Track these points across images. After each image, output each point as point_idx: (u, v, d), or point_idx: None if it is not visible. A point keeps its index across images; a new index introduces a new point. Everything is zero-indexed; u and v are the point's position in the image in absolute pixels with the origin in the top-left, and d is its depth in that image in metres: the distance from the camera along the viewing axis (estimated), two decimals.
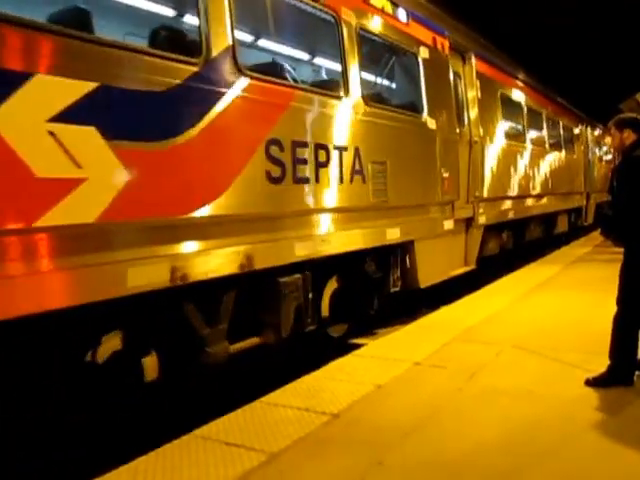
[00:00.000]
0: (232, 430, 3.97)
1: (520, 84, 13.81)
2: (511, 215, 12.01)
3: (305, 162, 5.57)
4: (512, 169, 12.14)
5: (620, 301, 4.62)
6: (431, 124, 8.27)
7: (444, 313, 7.60)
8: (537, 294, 8.55)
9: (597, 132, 23.73)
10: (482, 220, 10.26)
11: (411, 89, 8.33)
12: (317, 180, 5.72)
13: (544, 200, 14.65)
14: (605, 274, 8.69)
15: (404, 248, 7.79)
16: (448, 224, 8.80)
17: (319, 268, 6.15)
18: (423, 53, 8.19)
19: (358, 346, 6.39)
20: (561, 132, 17.18)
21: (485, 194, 10.43)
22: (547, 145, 15.38)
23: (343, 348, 6.72)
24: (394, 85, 8.83)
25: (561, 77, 17.79)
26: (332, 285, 6.82)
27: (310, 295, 5.98)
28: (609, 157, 26.26)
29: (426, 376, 5.02)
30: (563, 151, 17.05)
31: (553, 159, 15.68)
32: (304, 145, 5.59)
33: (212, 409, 4.65)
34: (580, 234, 18.40)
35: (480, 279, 9.95)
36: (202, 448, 3.71)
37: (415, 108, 8.09)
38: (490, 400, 4.41)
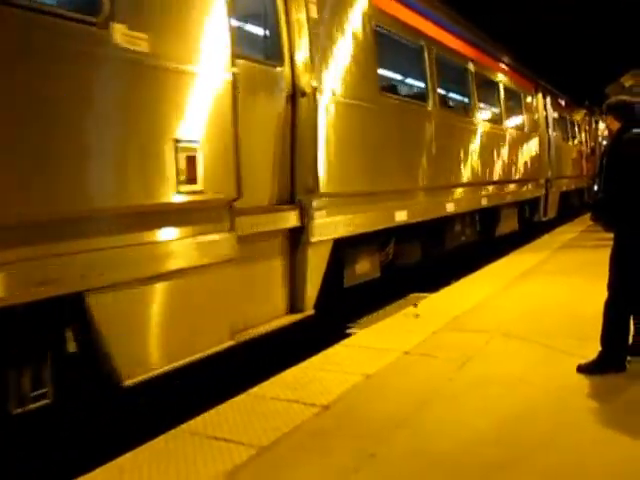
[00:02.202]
0: (220, 424, 3.89)
1: (422, 15, 8.98)
2: (402, 217, 7.72)
3: None
4: (400, 146, 7.83)
5: (611, 286, 4.59)
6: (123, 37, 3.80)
7: (432, 301, 7.55)
8: (524, 281, 8.53)
9: (562, 103, 19.60)
10: (325, 233, 5.99)
11: None
12: None
13: (473, 192, 10.65)
14: (592, 259, 8.71)
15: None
16: (219, 247, 4.61)
17: None
18: None
19: (345, 335, 6.32)
20: (502, 98, 12.75)
21: (332, 186, 6.10)
22: (475, 114, 11.00)
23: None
24: None
25: (547, 61, 17.72)
26: None
27: None
28: (583, 137, 23.48)
29: (416, 366, 4.96)
30: (506, 125, 12.88)
31: (488, 135, 11.37)
32: None
33: (200, 401, 4.57)
34: (537, 233, 14.70)
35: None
36: (190, 443, 3.62)
37: None
38: (482, 389, 4.36)
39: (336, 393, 4.35)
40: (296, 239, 5.76)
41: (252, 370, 5.26)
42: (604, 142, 26.58)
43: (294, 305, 5.74)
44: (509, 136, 12.87)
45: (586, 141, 24.35)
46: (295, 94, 5.76)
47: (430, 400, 4.21)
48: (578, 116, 22.68)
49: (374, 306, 7.92)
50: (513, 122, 13.72)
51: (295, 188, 5.77)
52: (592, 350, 4.63)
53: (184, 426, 3.88)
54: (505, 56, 13.76)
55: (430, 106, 8.81)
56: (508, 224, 13.33)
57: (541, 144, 15.67)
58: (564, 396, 4.19)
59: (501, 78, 12.95)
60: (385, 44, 7.66)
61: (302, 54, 5.85)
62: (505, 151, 12.48)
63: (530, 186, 14.79)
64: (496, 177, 11.89)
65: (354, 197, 6.67)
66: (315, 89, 5.87)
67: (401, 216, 7.68)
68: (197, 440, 3.67)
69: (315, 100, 5.86)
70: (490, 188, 11.66)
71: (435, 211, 8.89)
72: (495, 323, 6.16)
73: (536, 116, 15.67)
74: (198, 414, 4.06)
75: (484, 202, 11.22)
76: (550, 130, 16.84)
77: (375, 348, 5.48)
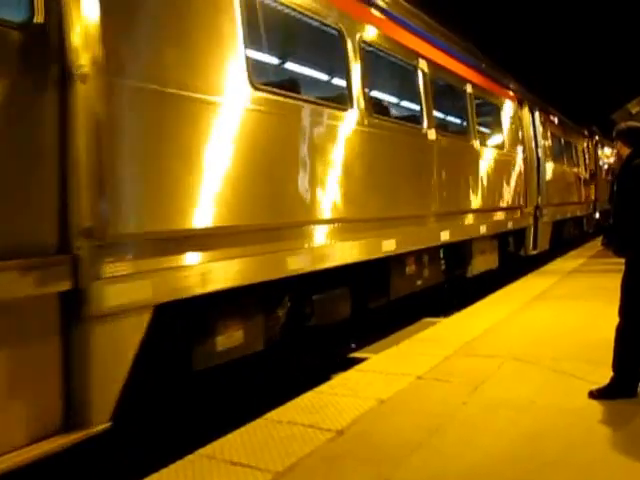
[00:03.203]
0: (237, 449, 3.93)
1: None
2: (298, 264, 5.42)
3: None
4: (292, 158, 5.50)
5: (622, 312, 4.62)
6: None
7: (443, 326, 7.60)
8: (535, 305, 8.56)
9: (556, 121, 17.36)
10: (128, 298, 3.80)
11: None
12: None
13: (430, 224, 8.36)
14: (602, 284, 8.74)
15: None
16: None
17: None
18: None
19: (359, 360, 6.37)
20: (468, 108, 10.21)
21: (135, 224, 3.98)
22: (426, 122, 8.26)
23: (340, 361, 6.74)
24: None
25: (554, 87, 17.80)
26: None
27: None
28: (581, 160, 20.84)
29: (430, 390, 5.01)
30: (475, 141, 10.25)
31: (448, 153, 9.00)
32: None
33: (213, 425, 4.63)
34: (521, 270, 12.47)
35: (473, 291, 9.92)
36: (207, 468, 3.67)
37: None
38: (495, 413, 4.40)
39: (351, 418, 4.40)
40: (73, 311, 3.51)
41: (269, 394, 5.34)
42: (605, 166, 25.72)
43: (73, 418, 3.54)
44: (479, 155, 10.35)
45: (585, 164, 21.61)
46: (65, 76, 3.45)
47: (445, 424, 4.25)
48: (576, 137, 20.47)
49: (386, 331, 7.97)
50: (486, 139, 11.47)
51: (69, 229, 3.49)
52: (603, 375, 4.66)
53: (201, 450, 3.92)
54: (473, 57, 11.02)
55: (353, 110, 6.41)
56: (484, 260, 10.92)
57: (527, 166, 13.34)
58: (575, 420, 4.22)
59: (467, 84, 10.20)
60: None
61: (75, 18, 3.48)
62: (476, 174, 10.16)
63: (513, 215, 12.34)
64: (464, 205, 9.67)
65: (196, 237, 4.34)
66: (99, 67, 3.58)
67: (297, 263, 5.35)
68: (214, 465, 3.71)
69: (101, 84, 3.59)
70: (455, 219, 9.29)
71: (364, 252, 6.55)
72: (507, 348, 6.20)
73: (520, 134, 13.14)
74: (216, 438, 4.12)
75: (445, 237, 8.72)
76: (540, 151, 14.59)
77: (388, 373, 5.52)
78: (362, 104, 6.57)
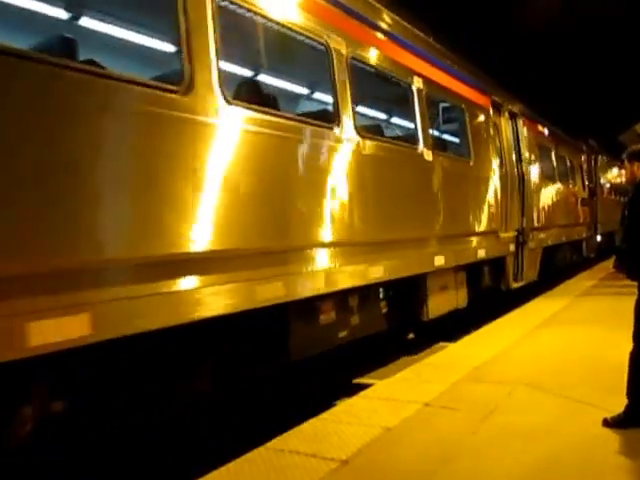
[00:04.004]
0: (238, 478, 3.80)
1: None
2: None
3: None
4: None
5: (636, 338, 4.49)
6: None
7: (451, 351, 7.44)
8: (545, 329, 8.39)
9: (546, 133, 15.26)
10: None
11: None
12: None
13: (355, 257, 6.27)
14: (614, 307, 8.58)
15: None
16: None
17: None
18: None
19: (364, 386, 6.23)
20: (417, 106, 7.95)
21: None
22: (350, 124, 6.33)
23: (346, 387, 6.59)
24: None
25: (562, 110, 17.71)
26: None
27: None
28: (578, 176, 18.34)
29: (437, 418, 4.85)
30: (426, 150, 7.96)
31: (387, 164, 7.09)
32: None
33: (215, 453, 4.50)
34: (498, 309, 10.37)
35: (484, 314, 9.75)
36: None
37: None
38: (506, 442, 4.24)
39: (356, 447, 4.25)
40: None
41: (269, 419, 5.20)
42: (607, 185, 23.72)
43: None
44: (431, 168, 8.13)
45: (583, 181, 19.05)
46: None
47: (454, 454, 4.09)
48: (571, 151, 18.09)
49: (400, 356, 7.84)
50: (443, 148, 9.24)
51: None
52: (617, 402, 4.51)
53: None
54: (427, 45, 8.95)
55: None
56: (446, 299, 8.74)
57: (507, 183, 11.14)
58: (590, 450, 4.07)
59: (414, 78, 7.92)
60: None
61: None
62: (427, 191, 8.05)
63: (484, 242, 9.88)
64: (409, 232, 7.47)
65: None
66: None
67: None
68: None
69: None
70: (398, 249, 7.13)
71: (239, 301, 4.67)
72: (517, 373, 6.04)
73: (497, 145, 10.99)
74: (217, 467, 3.99)
75: (377, 274, 6.60)
76: (525, 166, 12.36)
77: (395, 400, 5.37)
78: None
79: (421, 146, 7.87)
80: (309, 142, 5.65)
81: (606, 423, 4.45)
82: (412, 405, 5.16)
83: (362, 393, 5.71)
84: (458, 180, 9.05)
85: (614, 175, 25.41)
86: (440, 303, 8.47)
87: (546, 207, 14.06)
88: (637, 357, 4.47)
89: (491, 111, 10.84)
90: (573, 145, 18.39)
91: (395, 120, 10.26)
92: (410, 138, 8.07)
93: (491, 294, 10.83)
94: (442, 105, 9.64)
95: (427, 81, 8.24)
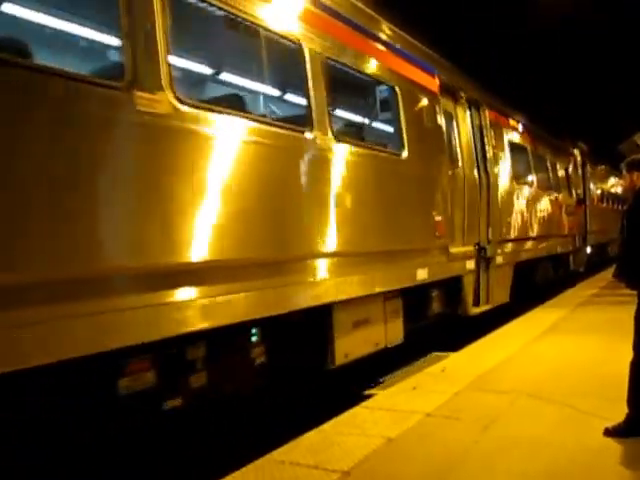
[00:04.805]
0: None
1: None
2: None
3: None
4: None
5: (636, 347, 4.49)
6: None
7: (454, 360, 7.42)
8: (546, 338, 8.38)
9: (520, 129, 12.98)
10: None
11: None
12: None
13: (215, 291, 4.39)
14: (615, 316, 8.56)
15: None
16: None
17: None
18: None
19: (365, 396, 6.20)
20: (310, 78, 5.75)
21: None
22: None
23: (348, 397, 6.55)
24: None
25: (562, 120, 17.68)
26: None
27: None
28: (563, 181, 16.13)
29: (440, 428, 4.84)
30: (327, 137, 5.87)
31: (282, 153, 5.38)
32: None
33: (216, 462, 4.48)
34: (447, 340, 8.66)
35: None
36: None
37: None
38: (508, 452, 4.23)
39: (357, 457, 4.24)
40: None
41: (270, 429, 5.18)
42: (599, 191, 21.83)
43: None
44: (333, 158, 5.97)
45: (570, 187, 16.90)
46: None
47: (456, 465, 4.08)
48: (555, 152, 15.92)
49: (394, 366, 7.79)
50: (360, 136, 7.22)
51: None
52: (618, 411, 4.51)
53: None
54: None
55: None
56: (365, 338, 6.62)
57: (462, 187, 9.10)
58: (592, 460, 4.07)
59: (307, 34, 5.78)
60: None
61: None
62: (326, 192, 5.83)
63: (428, 259, 7.70)
64: (293, 249, 5.42)
65: None
66: None
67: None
68: None
69: None
70: (278, 273, 5.15)
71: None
72: (518, 383, 6.03)
73: (447, 137, 8.71)
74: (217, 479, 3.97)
75: (238, 313, 4.66)
76: (491, 166, 10.22)
77: (396, 410, 5.36)
78: None
79: (314, 129, 5.66)
80: None
81: (607, 432, 4.44)
82: (414, 415, 5.14)
83: (363, 403, 5.70)
84: (381, 178, 6.79)
85: (609, 182, 23.99)
86: (356, 344, 6.40)
87: (520, 216, 11.91)
88: (637, 367, 4.46)
89: (440, 96, 8.51)
90: (558, 146, 16.38)
91: (267, 90, 7.33)
92: (296, 119, 5.90)
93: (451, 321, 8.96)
94: (359, 80, 7.01)
95: (329, 42, 6.06)
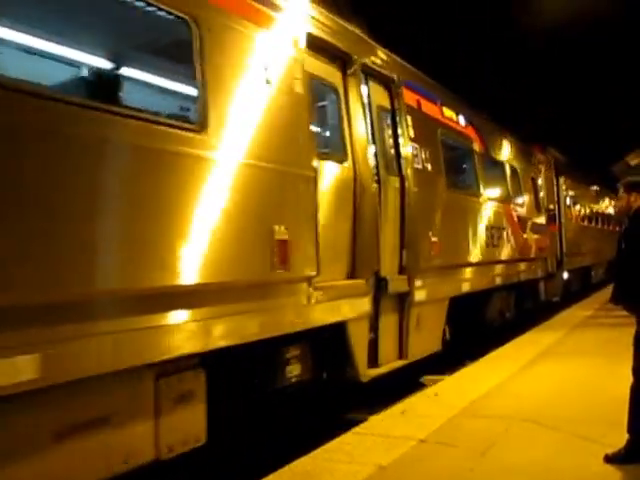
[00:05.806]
0: None
1: None
2: None
3: None
4: None
5: (636, 371, 4.39)
6: None
7: (447, 384, 7.27)
8: (541, 362, 8.24)
9: (462, 122, 10.02)
10: None
11: None
12: None
13: None
14: (612, 338, 8.48)
15: None
16: None
17: None
18: None
19: (356, 422, 6.03)
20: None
21: None
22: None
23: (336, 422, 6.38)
24: None
25: (553, 141, 17.67)
26: None
27: None
28: (529, 193, 13.47)
29: (434, 455, 4.68)
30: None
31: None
32: None
33: None
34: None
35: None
36: None
37: None
38: None
39: None
40: None
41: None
42: (577, 206, 18.79)
43: None
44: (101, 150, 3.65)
45: (537, 201, 14.27)
46: None
47: None
48: (518, 158, 13.23)
49: (386, 391, 7.62)
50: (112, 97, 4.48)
51: None
52: (618, 437, 4.40)
53: None
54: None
55: None
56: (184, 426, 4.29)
57: (346, 190, 6.29)
58: None
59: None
60: None
61: None
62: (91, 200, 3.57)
63: (263, 304, 4.91)
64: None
65: None
66: None
67: None
68: None
69: None
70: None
71: None
72: (514, 408, 5.89)
73: (306, 112, 5.60)
74: None
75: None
76: (407, 167, 7.45)
77: (389, 436, 5.19)
78: None
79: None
80: None
81: (607, 459, 4.32)
82: (407, 441, 4.98)
83: (355, 429, 5.52)
84: (193, 183, 4.24)
85: (594, 197, 21.17)
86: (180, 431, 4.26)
87: (460, 235, 9.25)
88: (637, 391, 4.37)
89: (304, 51, 5.71)
90: (521, 151, 13.57)
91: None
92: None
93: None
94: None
95: None
